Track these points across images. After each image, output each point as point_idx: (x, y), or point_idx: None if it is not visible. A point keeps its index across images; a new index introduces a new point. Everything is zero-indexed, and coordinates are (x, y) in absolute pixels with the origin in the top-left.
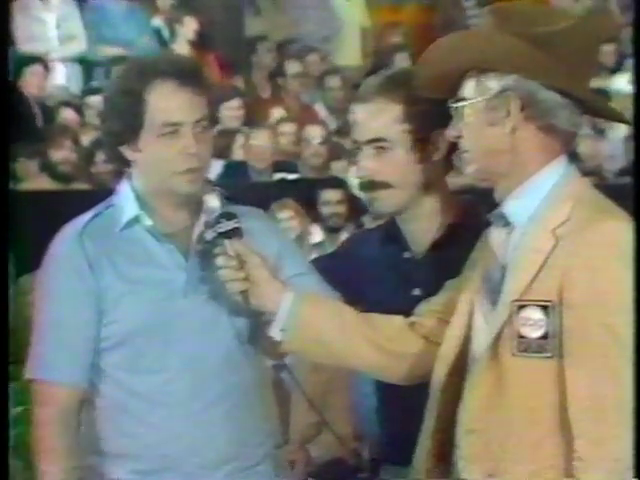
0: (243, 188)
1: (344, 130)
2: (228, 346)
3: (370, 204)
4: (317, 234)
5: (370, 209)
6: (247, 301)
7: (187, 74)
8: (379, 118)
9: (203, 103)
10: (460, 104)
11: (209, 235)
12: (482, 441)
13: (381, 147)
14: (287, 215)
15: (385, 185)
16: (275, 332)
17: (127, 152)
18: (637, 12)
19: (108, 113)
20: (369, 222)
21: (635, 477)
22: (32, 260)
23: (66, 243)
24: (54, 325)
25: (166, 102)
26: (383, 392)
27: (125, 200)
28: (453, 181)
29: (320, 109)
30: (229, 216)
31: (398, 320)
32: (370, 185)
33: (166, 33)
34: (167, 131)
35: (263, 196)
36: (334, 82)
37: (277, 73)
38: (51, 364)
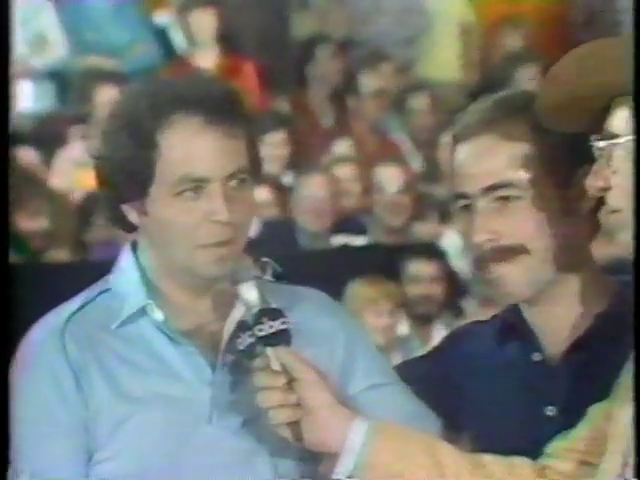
0: (289, 258)
1: (433, 173)
2: None
3: (492, 285)
4: (400, 325)
5: (489, 292)
6: (298, 435)
7: (219, 106)
8: (494, 158)
9: (240, 148)
10: (607, 143)
11: (245, 341)
12: None
13: (506, 197)
14: None
15: (520, 251)
16: (340, 478)
17: (131, 213)
18: (636, 14)
19: (102, 157)
20: (473, 309)
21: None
22: None
23: (43, 346)
24: (25, 465)
25: (187, 148)
26: None
27: (127, 283)
28: (598, 252)
29: (400, 142)
30: (273, 313)
31: (522, 464)
32: (497, 254)
33: (177, 34)
34: (187, 188)
35: (317, 270)
36: (419, 103)
37: (346, 90)
38: None
